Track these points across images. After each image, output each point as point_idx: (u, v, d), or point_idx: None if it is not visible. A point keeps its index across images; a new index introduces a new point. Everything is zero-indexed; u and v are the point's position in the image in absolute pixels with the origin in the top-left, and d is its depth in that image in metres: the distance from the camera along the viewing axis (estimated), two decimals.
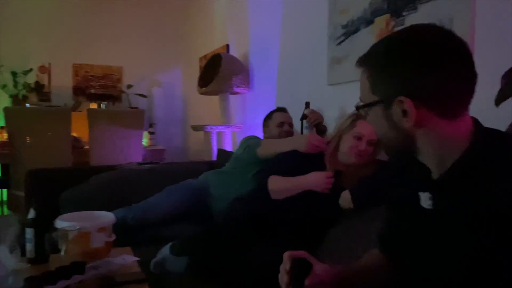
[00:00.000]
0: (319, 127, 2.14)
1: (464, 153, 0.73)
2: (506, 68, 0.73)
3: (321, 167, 1.73)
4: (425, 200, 0.79)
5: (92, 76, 5.12)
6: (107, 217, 1.47)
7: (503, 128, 1.25)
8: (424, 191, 0.79)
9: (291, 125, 2.38)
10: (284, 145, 1.95)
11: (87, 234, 1.33)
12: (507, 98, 0.69)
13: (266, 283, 1.38)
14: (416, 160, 0.81)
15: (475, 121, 0.77)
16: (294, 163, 1.76)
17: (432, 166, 0.79)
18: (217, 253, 1.53)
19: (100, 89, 5.14)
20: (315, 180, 1.66)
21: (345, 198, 1.54)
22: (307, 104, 2.21)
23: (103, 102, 4.96)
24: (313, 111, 2.15)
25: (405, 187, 0.88)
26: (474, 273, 0.65)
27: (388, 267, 0.96)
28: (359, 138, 1.64)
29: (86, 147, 3.90)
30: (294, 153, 1.84)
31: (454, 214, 0.72)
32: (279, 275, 0.89)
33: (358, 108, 0.84)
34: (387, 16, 1.90)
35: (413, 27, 0.79)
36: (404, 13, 1.80)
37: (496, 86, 0.72)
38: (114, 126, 3.80)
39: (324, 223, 1.61)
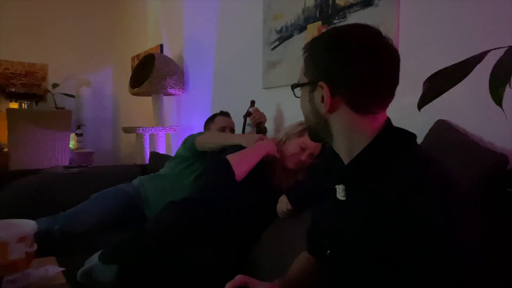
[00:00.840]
0: (260, 127, 2.16)
1: (366, 146, 0.78)
2: (428, 74, 0.78)
3: (263, 169, 1.76)
4: (339, 192, 0.84)
5: (12, 73, 4.74)
6: (28, 225, 1.36)
7: (425, 130, 1.35)
8: (339, 183, 0.84)
9: (233, 130, 2.35)
10: (231, 138, 1.97)
11: (4, 245, 1.22)
12: (429, 102, 0.74)
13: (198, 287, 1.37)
14: (336, 155, 0.86)
15: (387, 120, 0.82)
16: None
17: (343, 155, 0.84)
18: (148, 259, 1.48)
19: (22, 88, 4.78)
20: (265, 144, 1.75)
21: (282, 201, 1.56)
22: (253, 103, 2.23)
23: (25, 102, 4.62)
24: (258, 110, 2.18)
25: (328, 182, 0.92)
26: (380, 259, 0.69)
27: (318, 268, 0.99)
28: (303, 148, 1.70)
29: (5, 149, 3.63)
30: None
31: (359, 204, 0.76)
32: None
33: (292, 86, 0.88)
34: (319, 23, 1.97)
35: (356, 25, 0.83)
36: (335, 21, 1.87)
37: (419, 91, 0.76)
38: (38, 127, 3.57)
39: (259, 225, 1.63)
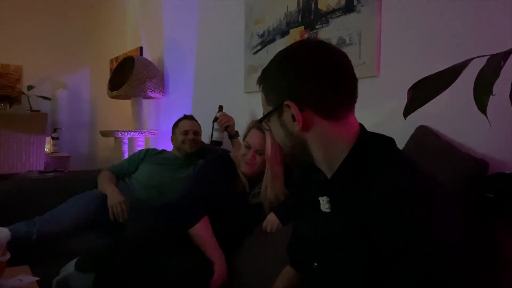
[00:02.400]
0: (229, 131, 2.16)
1: (347, 156, 0.79)
2: (409, 80, 0.78)
3: (234, 176, 1.73)
4: (323, 204, 0.83)
5: None
6: (1, 233, 1.31)
7: (406, 135, 1.36)
8: (322, 195, 0.83)
9: (196, 133, 2.37)
10: (105, 188, 2.10)
11: None
12: (414, 110, 0.74)
13: None
14: (316, 167, 0.85)
15: (361, 126, 0.83)
16: (216, 182, 1.73)
17: (325, 170, 0.84)
18: (126, 267, 1.44)
19: None
20: (220, 266, 1.50)
21: (272, 221, 1.54)
22: (220, 108, 2.24)
23: None
24: (224, 114, 2.18)
25: (309, 194, 0.92)
26: (368, 269, 0.69)
27: (302, 283, 0.97)
28: (248, 147, 1.68)
29: None
30: (211, 171, 1.80)
31: (346, 214, 0.76)
32: None
33: (259, 121, 0.88)
34: (301, 28, 1.97)
35: (301, 42, 0.87)
36: (317, 26, 1.87)
37: (400, 97, 0.76)
38: (12, 130, 3.48)
39: (239, 230, 1.61)
